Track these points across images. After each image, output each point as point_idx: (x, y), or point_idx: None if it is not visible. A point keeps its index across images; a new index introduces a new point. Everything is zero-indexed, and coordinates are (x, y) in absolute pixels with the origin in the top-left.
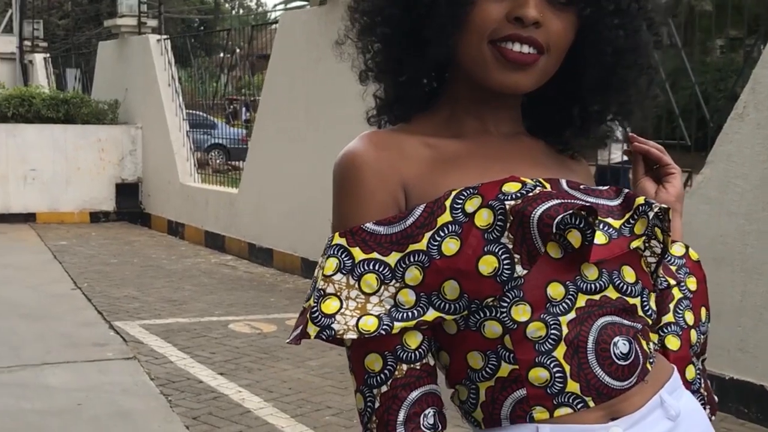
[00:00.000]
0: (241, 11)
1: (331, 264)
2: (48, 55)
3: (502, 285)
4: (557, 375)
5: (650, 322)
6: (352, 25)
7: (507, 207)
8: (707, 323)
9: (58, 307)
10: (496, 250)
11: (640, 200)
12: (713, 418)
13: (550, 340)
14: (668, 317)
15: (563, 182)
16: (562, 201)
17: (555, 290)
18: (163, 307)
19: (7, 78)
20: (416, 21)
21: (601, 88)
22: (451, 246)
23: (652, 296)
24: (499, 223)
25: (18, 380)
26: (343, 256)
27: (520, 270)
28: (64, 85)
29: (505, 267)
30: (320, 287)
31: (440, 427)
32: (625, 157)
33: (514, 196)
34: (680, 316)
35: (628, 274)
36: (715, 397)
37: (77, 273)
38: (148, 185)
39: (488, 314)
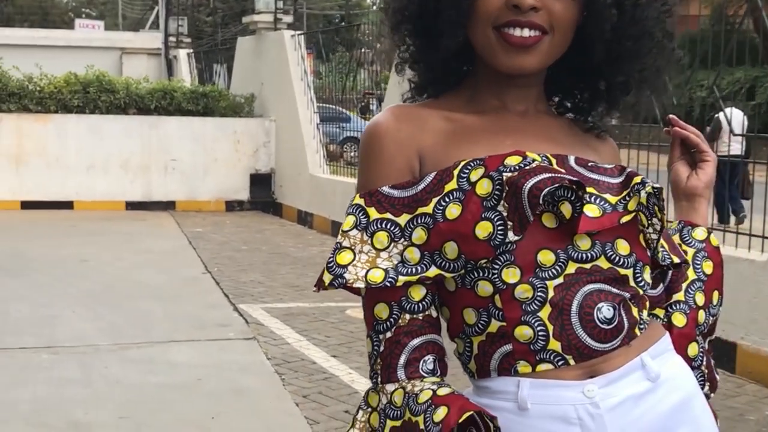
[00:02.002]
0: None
1: (349, 221)
2: (191, 50)
3: (494, 249)
4: (540, 333)
5: (641, 292)
6: (387, 24)
7: (504, 178)
8: (718, 306)
9: (188, 290)
10: (492, 217)
11: (637, 179)
12: (712, 394)
13: (536, 302)
14: (678, 296)
15: (571, 158)
16: (552, 175)
17: (545, 257)
18: (285, 292)
19: (152, 72)
20: (431, 15)
21: (612, 61)
22: (453, 211)
23: (647, 269)
24: (496, 192)
25: (146, 356)
26: (360, 215)
27: (511, 236)
28: (206, 79)
29: (499, 232)
30: (338, 241)
31: (439, 373)
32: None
33: (513, 168)
34: (691, 296)
35: (622, 247)
36: (717, 376)
37: (209, 258)
38: (280, 176)
39: (481, 274)
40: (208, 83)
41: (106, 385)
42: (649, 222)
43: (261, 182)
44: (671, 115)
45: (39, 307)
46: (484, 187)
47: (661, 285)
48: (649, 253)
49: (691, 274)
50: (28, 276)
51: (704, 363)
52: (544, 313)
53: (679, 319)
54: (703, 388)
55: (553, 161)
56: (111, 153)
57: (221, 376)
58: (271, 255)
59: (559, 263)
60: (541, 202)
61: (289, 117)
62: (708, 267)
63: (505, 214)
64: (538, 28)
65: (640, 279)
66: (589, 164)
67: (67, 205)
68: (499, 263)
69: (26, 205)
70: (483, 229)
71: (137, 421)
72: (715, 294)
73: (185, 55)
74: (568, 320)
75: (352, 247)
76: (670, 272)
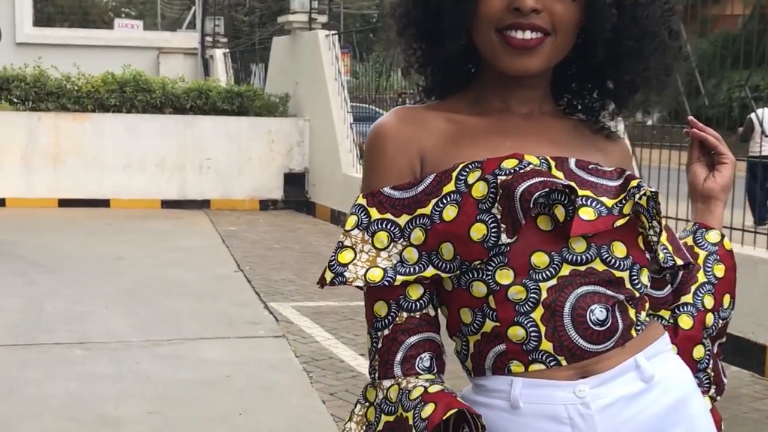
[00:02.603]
0: None
1: (352, 221)
2: (227, 50)
3: (488, 250)
4: (533, 334)
5: (637, 294)
6: (394, 28)
7: (498, 181)
8: (730, 310)
9: (220, 288)
10: (487, 219)
11: (633, 183)
12: (718, 397)
13: (529, 303)
14: (687, 298)
15: (572, 161)
16: (544, 179)
17: (539, 259)
18: (316, 291)
19: (189, 72)
20: (434, 19)
21: (615, 60)
22: (450, 212)
23: (644, 272)
24: (491, 195)
25: (176, 353)
26: (361, 215)
27: (504, 238)
28: (242, 78)
29: (492, 234)
30: (340, 240)
31: (435, 370)
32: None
33: (508, 171)
34: (699, 298)
35: (618, 250)
36: (724, 379)
37: (241, 257)
38: (314, 175)
39: (476, 275)
40: (244, 83)
41: (136, 380)
42: (650, 224)
43: (294, 181)
44: (690, 117)
45: (73, 304)
46: (479, 190)
47: (669, 287)
48: (649, 256)
49: (701, 277)
50: (64, 273)
51: (711, 365)
52: (537, 314)
53: (685, 322)
54: (708, 391)
55: (552, 164)
56: (147, 152)
57: (250, 373)
58: (303, 254)
59: (553, 265)
60: (532, 206)
61: (323, 116)
62: (719, 270)
63: (498, 216)
64: (540, 30)
65: (636, 281)
66: (590, 167)
67: (104, 203)
68: (493, 265)
69: (64, 203)
70: (477, 231)
71: (165, 417)
72: (727, 297)
73: (221, 54)
74: (561, 322)
75: (354, 247)
76: (681, 274)
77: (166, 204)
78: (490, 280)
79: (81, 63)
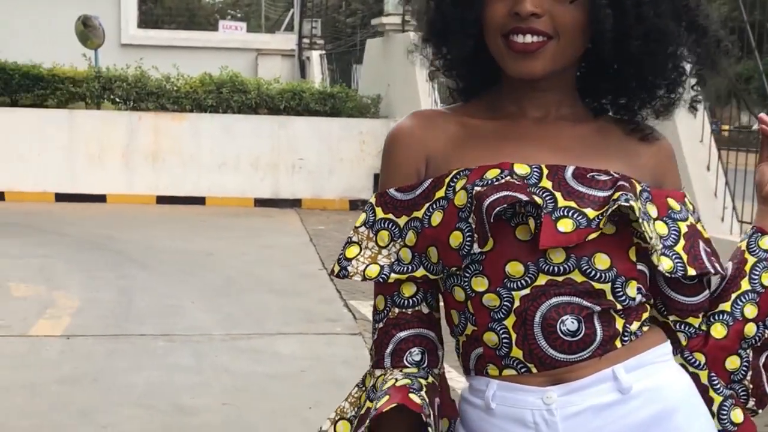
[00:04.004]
0: None
1: (361, 218)
2: (323, 52)
3: (462, 258)
4: (504, 341)
5: (619, 306)
6: (419, 35)
7: (474, 192)
8: None
9: (303, 285)
10: (464, 228)
11: (616, 195)
12: (760, 410)
13: (503, 310)
14: (725, 306)
15: (569, 169)
16: (508, 193)
17: (514, 268)
18: None
19: (286, 73)
20: (445, 26)
21: (628, 60)
22: (437, 218)
23: (632, 284)
24: (469, 204)
25: (255, 347)
26: (369, 213)
27: (476, 248)
28: (337, 80)
29: (467, 243)
30: (349, 235)
31: (425, 365)
32: None
33: (488, 182)
34: (738, 307)
35: (601, 261)
36: None
37: (327, 255)
38: None
39: (456, 281)
40: (338, 84)
41: (214, 372)
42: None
43: None
44: (761, 114)
45: (162, 297)
46: (461, 198)
47: (705, 293)
48: (640, 267)
49: (744, 285)
50: (156, 268)
51: (748, 377)
52: (509, 321)
53: (718, 331)
54: (746, 403)
55: (545, 172)
56: (242, 151)
57: (324, 369)
58: None
59: (529, 275)
60: (492, 220)
61: None
62: (767, 278)
63: (473, 226)
64: (542, 34)
65: (620, 293)
66: (588, 175)
67: (200, 201)
68: (469, 272)
69: (161, 200)
70: (455, 239)
71: (239, 408)
72: None
73: (317, 56)
74: (531, 330)
75: (360, 243)
76: (724, 280)
77: (260, 203)
78: (467, 287)
79: (183, 64)
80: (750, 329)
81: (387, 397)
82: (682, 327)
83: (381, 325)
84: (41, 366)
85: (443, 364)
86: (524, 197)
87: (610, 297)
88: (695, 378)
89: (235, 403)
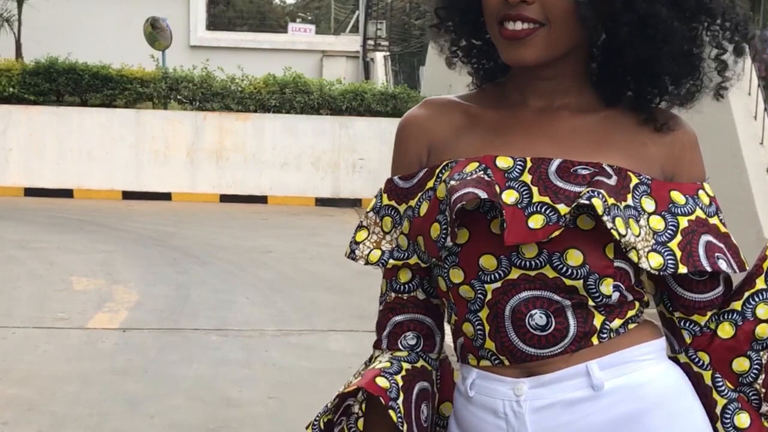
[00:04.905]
0: None
1: (372, 203)
2: (388, 53)
3: (439, 250)
4: (479, 332)
5: (592, 303)
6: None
7: (448, 185)
8: None
9: (357, 283)
10: (441, 220)
11: (584, 192)
12: None
13: (477, 302)
14: (736, 304)
15: (555, 163)
16: (470, 190)
17: (487, 261)
18: None
19: (350, 74)
20: (450, 13)
21: (619, 48)
22: (424, 208)
23: (607, 281)
24: (447, 197)
25: (305, 343)
26: (378, 199)
27: (449, 241)
28: (401, 81)
29: (443, 235)
30: (361, 219)
31: (420, 349)
32: None
33: (464, 176)
34: (750, 307)
35: (573, 258)
36: None
37: None
38: None
39: (439, 271)
40: (402, 85)
41: (263, 367)
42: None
43: None
44: None
45: (217, 293)
46: (441, 191)
47: (717, 290)
48: (619, 264)
49: (759, 283)
50: (215, 264)
51: (760, 380)
52: (483, 314)
53: (725, 330)
54: (759, 409)
55: (528, 166)
56: (303, 151)
57: None
58: None
59: (502, 269)
60: (454, 216)
61: None
62: None
63: (448, 219)
64: (532, 21)
65: (594, 291)
66: (572, 169)
67: (262, 199)
68: (447, 264)
69: (224, 198)
70: (434, 230)
71: (283, 401)
72: None
73: (381, 57)
74: (502, 324)
75: (368, 227)
76: (744, 277)
77: (320, 202)
78: (447, 278)
79: (250, 65)
80: (763, 330)
81: (360, 378)
82: (687, 324)
83: (381, 307)
84: (96, 357)
85: (443, 349)
86: (483, 194)
87: (583, 293)
88: (699, 378)
89: (280, 397)
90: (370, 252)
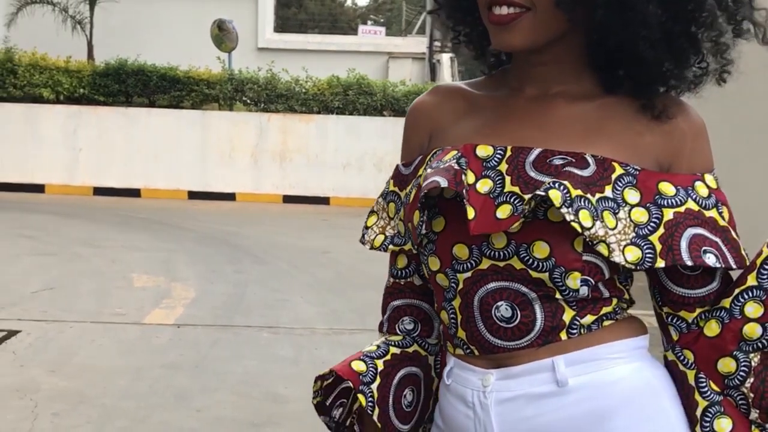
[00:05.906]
0: None
1: (383, 189)
2: (453, 54)
3: (418, 237)
4: (452, 321)
5: (560, 296)
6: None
7: (425, 174)
8: None
9: None
10: (421, 207)
11: (547, 182)
12: (767, 426)
13: (451, 291)
14: (725, 302)
15: (534, 153)
16: (433, 179)
17: (460, 250)
18: None
19: (416, 76)
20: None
21: (598, 29)
22: (411, 196)
23: (573, 275)
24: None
25: (355, 341)
26: (386, 185)
27: (424, 229)
28: None
29: (421, 223)
30: (372, 204)
31: (417, 333)
32: None
33: (440, 164)
34: (739, 304)
35: (539, 250)
36: None
37: None
38: None
39: (422, 258)
40: None
41: (311, 365)
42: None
43: None
44: None
45: (272, 291)
46: (423, 179)
47: (711, 285)
48: (588, 258)
49: (750, 280)
50: (273, 263)
51: (747, 384)
52: (456, 302)
53: (711, 328)
54: (748, 415)
55: (508, 155)
56: (366, 152)
57: None
58: None
59: (473, 258)
60: (419, 204)
61: None
62: None
63: (419, 207)
64: (517, 5)
65: (561, 284)
66: (549, 159)
67: (324, 200)
68: (426, 251)
69: (287, 199)
70: (415, 218)
71: None
72: None
73: (448, 59)
74: (471, 314)
75: (378, 212)
76: (741, 273)
77: None
78: (426, 265)
79: (317, 67)
80: (752, 330)
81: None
82: (674, 320)
83: (384, 291)
84: (148, 352)
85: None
86: (445, 183)
87: (550, 285)
88: (683, 378)
89: None
90: (375, 237)
